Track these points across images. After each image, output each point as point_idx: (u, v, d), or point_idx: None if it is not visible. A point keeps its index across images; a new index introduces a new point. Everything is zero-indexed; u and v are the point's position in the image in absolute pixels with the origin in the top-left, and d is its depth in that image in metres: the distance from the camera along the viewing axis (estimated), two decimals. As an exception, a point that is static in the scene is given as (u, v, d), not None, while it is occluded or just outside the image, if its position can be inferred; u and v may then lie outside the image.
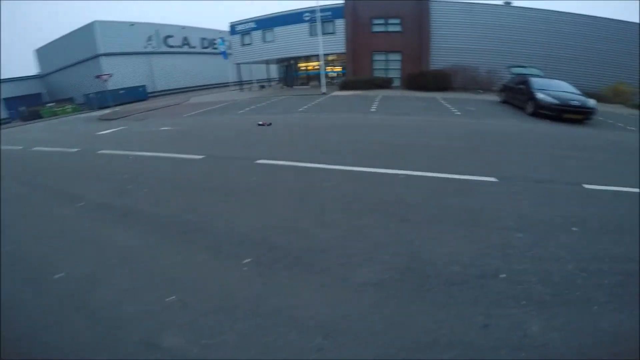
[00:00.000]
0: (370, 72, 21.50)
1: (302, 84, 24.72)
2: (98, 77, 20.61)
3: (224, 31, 27.49)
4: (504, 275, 2.29)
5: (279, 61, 26.93)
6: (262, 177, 4.58)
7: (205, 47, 34.31)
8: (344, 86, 19.24)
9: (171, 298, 2.20)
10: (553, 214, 3.24)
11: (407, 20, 20.25)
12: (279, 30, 23.52)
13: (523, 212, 3.27)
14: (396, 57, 21.39)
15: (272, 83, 30.81)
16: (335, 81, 22.79)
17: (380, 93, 16.46)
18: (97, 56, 26.61)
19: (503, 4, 19.88)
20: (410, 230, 2.97)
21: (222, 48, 26.54)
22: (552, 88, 10.32)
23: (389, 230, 2.99)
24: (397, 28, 20.80)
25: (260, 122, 8.51)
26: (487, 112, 10.48)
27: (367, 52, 21.60)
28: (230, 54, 26.30)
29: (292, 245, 2.80)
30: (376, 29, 21.17)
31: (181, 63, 32.30)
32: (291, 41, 23.22)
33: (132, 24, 28.31)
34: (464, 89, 17.54)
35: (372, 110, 11.05)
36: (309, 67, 25.02)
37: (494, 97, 14.05)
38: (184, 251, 2.80)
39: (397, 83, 20.37)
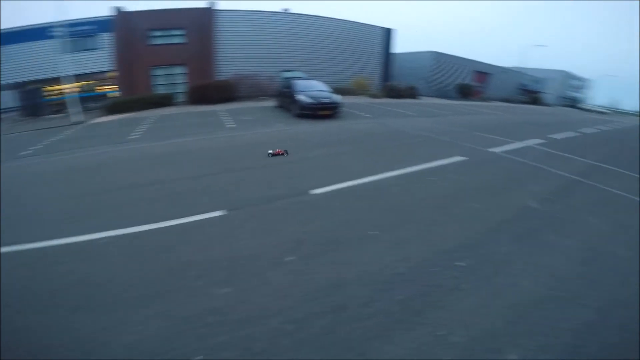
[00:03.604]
0: (150, 89, 18.98)
1: (56, 112, 19.10)
2: None
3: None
4: (199, 358, 1.77)
5: (17, 86, 19.86)
6: None
7: None
8: (112, 109, 15.86)
9: None
10: (272, 244, 2.90)
11: (191, 30, 18.95)
12: (10, 48, 17.60)
13: (238, 254, 2.78)
14: (181, 70, 19.79)
15: (11, 114, 22.39)
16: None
17: (157, 113, 14.40)
18: None
19: (281, 11, 21.23)
20: (86, 322, 2.04)
21: None
22: (311, 88, 11.50)
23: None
24: (181, 39, 19.18)
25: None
26: (261, 120, 10.61)
27: (144, 67, 18.99)
28: None
29: None
30: (155, 41, 18.92)
31: None
32: (33, 61, 17.93)
33: None
34: (249, 97, 17.86)
35: (131, 138, 9.11)
36: (66, 91, 19.61)
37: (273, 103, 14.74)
38: None
39: (182, 98, 18.72)
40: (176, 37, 19.35)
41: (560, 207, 3.96)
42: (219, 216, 3.50)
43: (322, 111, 10.55)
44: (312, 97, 10.72)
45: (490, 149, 6.57)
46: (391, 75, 25.91)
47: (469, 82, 29.75)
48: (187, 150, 6.86)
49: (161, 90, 19.07)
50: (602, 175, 5.62)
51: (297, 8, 22.56)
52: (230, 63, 19.51)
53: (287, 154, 5.95)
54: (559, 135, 9.25)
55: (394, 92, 20.88)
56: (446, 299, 2.25)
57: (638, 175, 5.84)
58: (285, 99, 12.25)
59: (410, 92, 21.67)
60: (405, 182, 4.49)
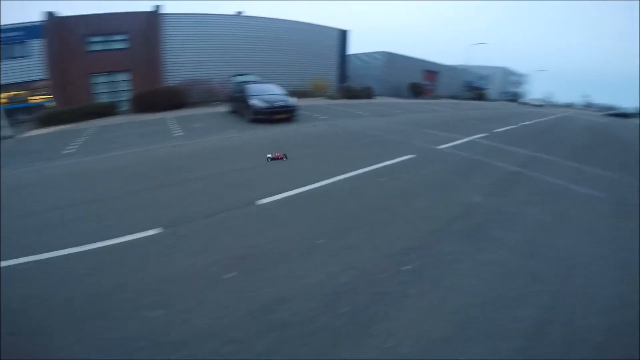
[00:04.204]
0: (90, 98, 17.58)
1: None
2: None
3: None
4: None
5: None
6: None
7: None
8: (47, 121, 14.34)
9: None
10: (211, 261, 2.70)
11: (135, 35, 17.88)
12: None
13: (173, 273, 2.56)
14: (124, 77, 18.55)
15: None
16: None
17: (98, 123, 13.25)
18: None
19: (235, 14, 20.66)
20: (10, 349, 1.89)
21: None
22: (265, 92, 11.18)
23: None
24: (124, 45, 18.04)
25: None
26: (212, 127, 10.12)
27: (82, 74, 17.59)
28: None
29: None
30: (95, 47, 17.64)
31: None
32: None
33: None
34: (201, 103, 17.11)
35: (66, 152, 8.23)
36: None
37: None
38: None
39: (127, 107, 17.51)
40: (118, 43, 18.26)
41: (504, 200, 4.11)
42: (154, 234, 3.20)
43: (277, 115, 10.31)
44: (266, 101, 10.44)
45: (437, 146, 6.77)
46: (347, 76, 26.29)
47: (419, 81, 31.08)
48: (125, 164, 6.28)
49: (103, 99, 17.73)
50: (539, 165, 6.01)
51: (251, 10, 22.24)
52: (179, 68, 18.69)
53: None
54: (501, 129, 9.87)
55: (350, 93, 21.17)
56: (394, 307, 2.18)
57: (571, 164, 6.33)
58: (239, 104, 11.83)
59: (366, 93, 22.12)
60: (356, 184, 4.42)
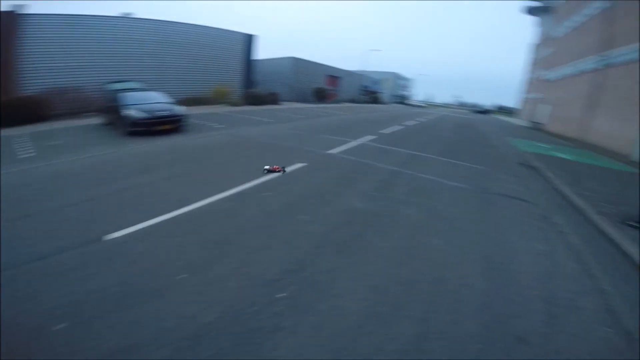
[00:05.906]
0: None
1: None
2: None
3: None
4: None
5: None
6: None
7: None
8: None
9: None
10: (33, 313, 2.11)
11: None
12: None
13: None
14: (-43, 85, 14.24)
15: None
16: None
17: None
18: None
19: (121, 15, 17.79)
20: None
21: None
22: (144, 101, 9.81)
23: None
24: None
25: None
26: (75, 144, 8.32)
27: None
28: None
29: None
30: None
31: None
32: None
33: None
34: (70, 115, 14.29)
35: None
36: None
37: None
38: None
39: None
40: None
41: (382, 203, 4.23)
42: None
43: (159, 126, 9.10)
44: (144, 111, 9.12)
45: (328, 151, 6.85)
46: (254, 82, 25.52)
47: (323, 86, 32.31)
48: None
49: None
50: (417, 163, 6.57)
51: (147, 13, 19.68)
52: (42, 75, 15.35)
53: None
54: (387, 130, 10.74)
55: (255, 99, 20.58)
56: (264, 345, 1.88)
57: (443, 159, 7.11)
58: (112, 115, 10.14)
59: (272, 98, 21.84)
60: (235, 203, 3.99)
